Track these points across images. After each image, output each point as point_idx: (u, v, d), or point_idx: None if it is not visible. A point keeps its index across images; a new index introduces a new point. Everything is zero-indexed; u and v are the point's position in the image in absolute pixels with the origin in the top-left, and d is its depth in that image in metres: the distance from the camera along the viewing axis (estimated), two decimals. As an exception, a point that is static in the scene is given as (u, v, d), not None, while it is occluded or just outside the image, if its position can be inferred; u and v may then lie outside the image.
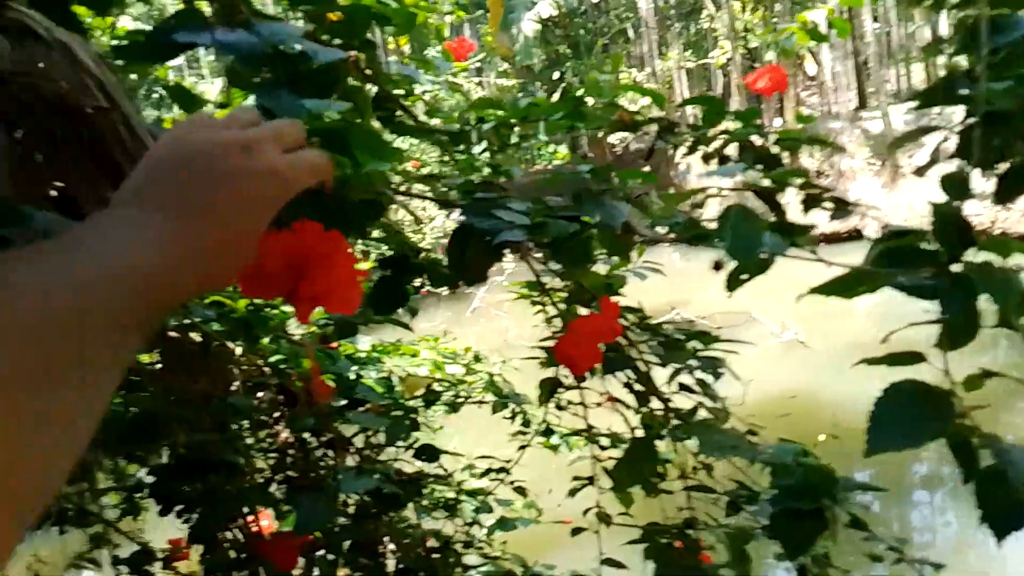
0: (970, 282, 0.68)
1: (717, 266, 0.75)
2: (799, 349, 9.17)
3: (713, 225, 0.73)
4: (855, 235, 12.36)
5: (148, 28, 0.72)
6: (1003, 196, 0.72)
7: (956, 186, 0.67)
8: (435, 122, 1.37)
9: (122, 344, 0.38)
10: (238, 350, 1.70)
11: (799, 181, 0.94)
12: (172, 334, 1.72)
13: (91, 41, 0.85)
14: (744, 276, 0.78)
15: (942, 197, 0.68)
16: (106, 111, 0.73)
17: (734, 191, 0.93)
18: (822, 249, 0.80)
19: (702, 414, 1.20)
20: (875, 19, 19.00)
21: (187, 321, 1.69)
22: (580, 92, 1.20)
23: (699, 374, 1.26)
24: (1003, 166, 0.69)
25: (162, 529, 1.77)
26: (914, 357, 0.73)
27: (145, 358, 1.60)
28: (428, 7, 1.69)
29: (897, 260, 0.77)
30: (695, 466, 1.40)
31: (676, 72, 20.66)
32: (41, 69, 0.78)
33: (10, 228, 0.47)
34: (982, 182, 0.80)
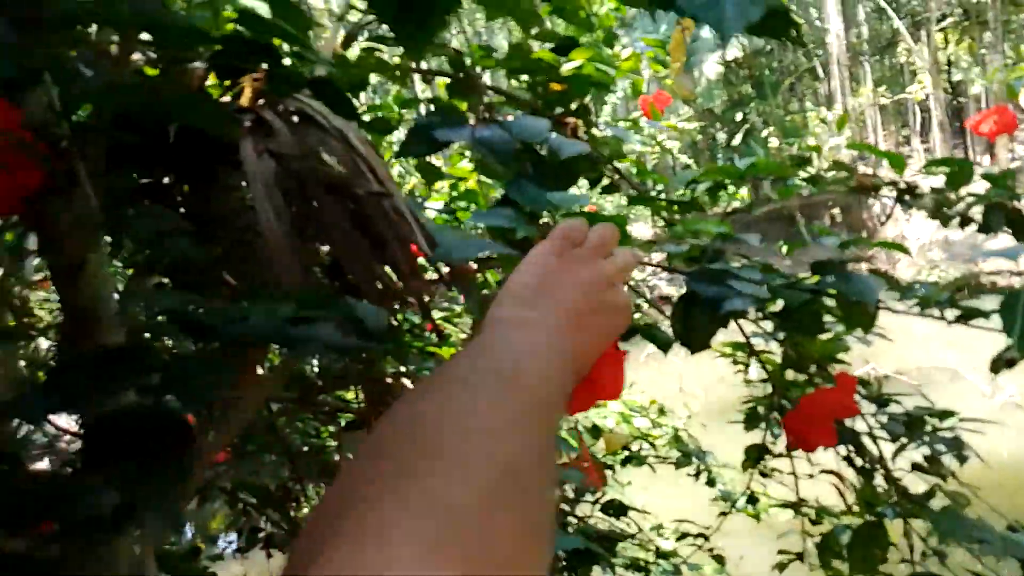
0: None
1: (1009, 363, 0.69)
2: (1016, 413, 8.20)
3: (987, 306, 0.68)
4: None
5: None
6: None
7: None
8: (648, 183, 1.38)
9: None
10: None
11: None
12: (387, 380, 1.83)
13: (363, 130, 0.94)
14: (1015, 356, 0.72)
15: None
16: (377, 194, 0.80)
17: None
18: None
19: (938, 496, 1.11)
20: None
21: (402, 368, 1.80)
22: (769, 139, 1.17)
23: (933, 450, 1.17)
24: None
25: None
26: None
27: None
28: (633, 65, 1.72)
29: None
30: (924, 552, 1.29)
31: (869, 109, 19.53)
32: (319, 153, 0.88)
33: (332, 313, 0.54)
34: None
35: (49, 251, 0.88)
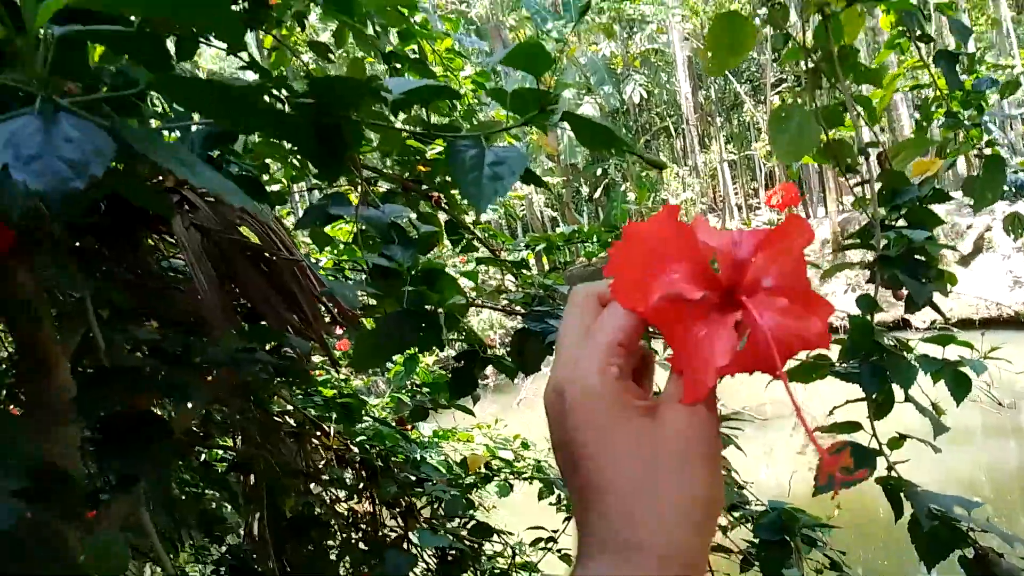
0: (883, 370, 0.96)
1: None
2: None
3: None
4: (904, 324, 12.39)
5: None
6: (910, 309, 1.02)
7: (868, 303, 0.97)
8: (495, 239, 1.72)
9: None
10: (329, 430, 2.03)
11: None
12: (276, 419, 2.06)
13: (275, 209, 1.22)
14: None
15: (859, 311, 0.98)
16: (285, 258, 1.08)
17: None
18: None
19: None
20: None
21: (288, 407, 2.03)
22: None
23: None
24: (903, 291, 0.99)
25: None
26: (852, 426, 1.01)
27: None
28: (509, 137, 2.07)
29: (846, 353, 1.07)
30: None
31: (719, 164, 21.18)
32: (237, 226, 1.15)
33: (272, 343, 0.81)
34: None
35: (11, 307, 1.09)
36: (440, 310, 1.13)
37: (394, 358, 2.79)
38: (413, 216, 1.08)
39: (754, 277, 0.41)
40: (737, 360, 0.40)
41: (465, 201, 1.86)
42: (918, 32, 1.81)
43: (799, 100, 1.35)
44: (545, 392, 0.44)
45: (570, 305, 0.46)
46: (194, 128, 0.92)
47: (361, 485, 2.03)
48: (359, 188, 1.17)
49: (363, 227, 1.11)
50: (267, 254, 1.13)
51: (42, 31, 0.49)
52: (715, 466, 0.41)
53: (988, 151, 1.98)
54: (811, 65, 1.15)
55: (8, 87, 0.49)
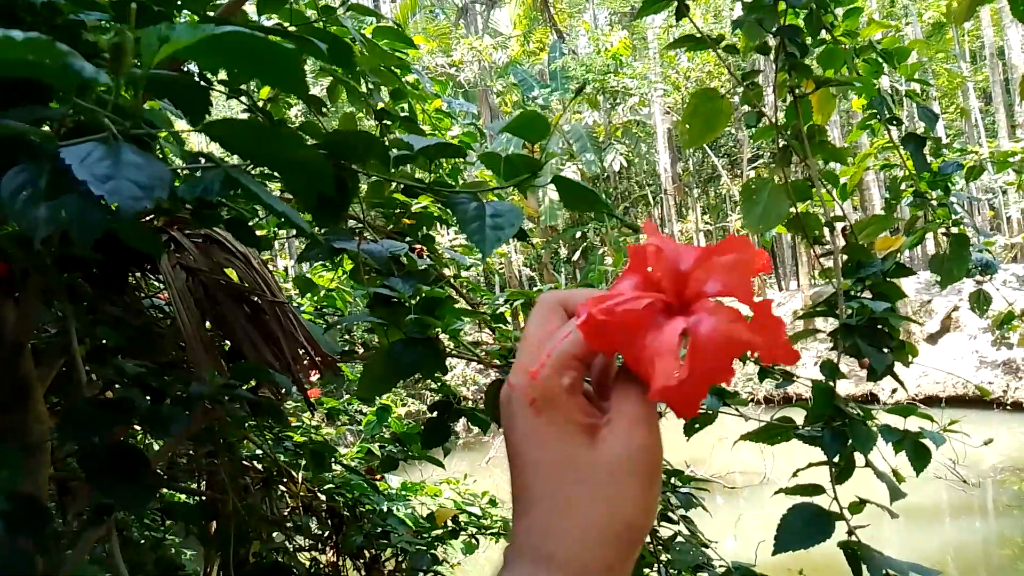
0: (844, 435, 1.00)
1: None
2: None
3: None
4: (872, 398, 12.55)
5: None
6: (871, 377, 1.06)
7: (830, 369, 1.01)
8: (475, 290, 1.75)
9: None
10: (298, 477, 2.01)
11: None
12: (244, 463, 2.04)
13: (261, 253, 1.25)
14: (697, 426, 1.11)
15: (822, 377, 1.03)
16: (269, 301, 1.11)
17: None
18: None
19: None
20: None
21: (258, 452, 2.02)
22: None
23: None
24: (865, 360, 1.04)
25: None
26: (815, 488, 1.04)
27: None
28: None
29: (810, 417, 1.10)
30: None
31: (696, 234, 21.54)
32: (224, 268, 1.17)
33: (252, 382, 0.83)
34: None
35: (-7, 336, 1.10)
36: (442, 336, 1.18)
37: (365, 409, 2.79)
38: (409, 253, 1.13)
39: (696, 287, 0.42)
40: (687, 372, 0.40)
41: (453, 253, 1.91)
42: (888, 115, 1.91)
43: (773, 175, 1.42)
44: (501, 392, 0.44)
45: (536, 308, 0.46)
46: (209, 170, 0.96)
47: (326, 534, 2.00)
48: (359, 231, 1.20)
49: (364, 259, 1.15)
50: (251, 296, 1.16)
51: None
52: (647, 491, 0.42)
53: (955, 230, 2.07)
54: (782, 143, 1.22)
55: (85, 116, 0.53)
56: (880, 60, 1.81)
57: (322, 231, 1.15)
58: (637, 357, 0.42)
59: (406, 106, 2.15)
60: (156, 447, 1.85)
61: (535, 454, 0.42)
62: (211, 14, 1.27)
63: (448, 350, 1.44)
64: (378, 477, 2.16)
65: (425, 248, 1.75)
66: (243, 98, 1.34)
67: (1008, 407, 13.23)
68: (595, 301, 0.42)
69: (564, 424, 0.42)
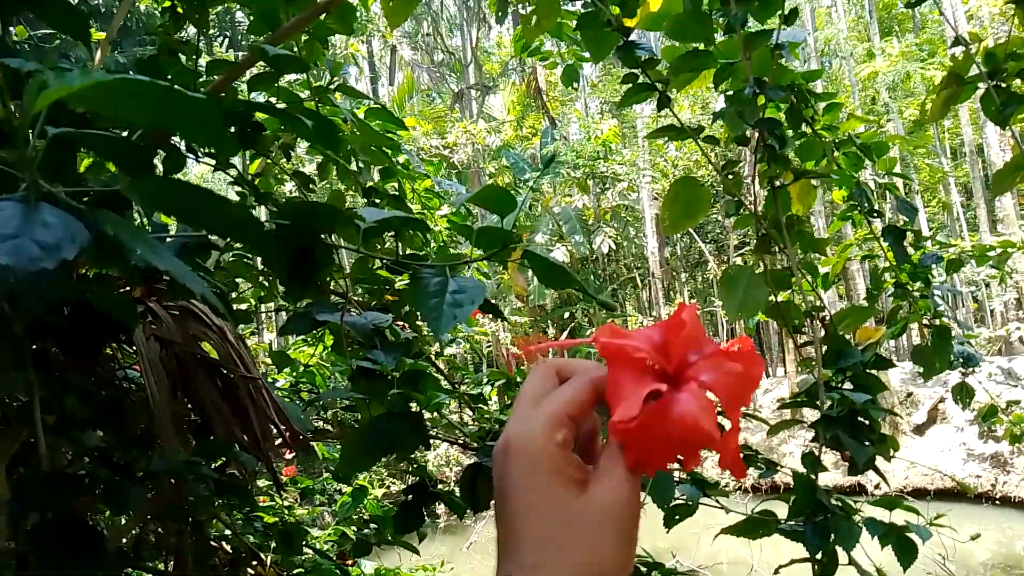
0: (827, 530, 0.97)
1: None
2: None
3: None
4: (859, 489, 12.37)
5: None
6: (852, 471, 1.04)
7: (811, 462, 0.99)
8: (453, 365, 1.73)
9: None
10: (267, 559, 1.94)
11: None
12: (212, 543, 1.97)
13: (239, 327, 1.23)
14: (677, 517, 1.08)
15: (805, 470, 1.01)
16: (243, 376, 1.09)
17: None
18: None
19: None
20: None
21: (227, 532, 1.95)
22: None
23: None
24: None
25: None
26: (796, 587, 1.01)
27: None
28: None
29: (792, 511, 1.08)
30: None
31: (682, 319, 21.55)
32: (198, 340, 1.16)
33: (219, 459, 0.80)
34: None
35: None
36: (424, 411, 1.16)
37: (343, 488, 2.72)
38: (393, 326, 1.12)
39: (696, 374, 0.46)
40: (646, 427, 0.45)
41: (426, 327, 1.89)
42: (867, 207, 1.95)
43: (757, 262, 1.44)
44: (496, 444, 0.49)
45: (533, 372, 0.52)
46: (168, 239, 0.95)
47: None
48: (343, 306, 1.19)
49: (347, 331, 1.14)
50: (225, 370, 1.14)
51: (38, 125, 0.53)
52: (628, 544, 0.46)
53: (937, 322, 2.08)
54: (762, 232, 1.23)
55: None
56: (859, 154, 1.85)
57: (303, 304, 1.15)
58: (613, 392, 0.46)
59: (396, 184, 2.18)
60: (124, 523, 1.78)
61: (527, 499, 0.46)
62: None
63: (430, 430, 1.41)
64: (350, 562, 2.09)
65: (407, 325, 1.74)
66: (232, 171, 1.35)
67: (996, 501, 13.07)
68: (612, 332, 0.48)
69: (556, 474, 0.46)
